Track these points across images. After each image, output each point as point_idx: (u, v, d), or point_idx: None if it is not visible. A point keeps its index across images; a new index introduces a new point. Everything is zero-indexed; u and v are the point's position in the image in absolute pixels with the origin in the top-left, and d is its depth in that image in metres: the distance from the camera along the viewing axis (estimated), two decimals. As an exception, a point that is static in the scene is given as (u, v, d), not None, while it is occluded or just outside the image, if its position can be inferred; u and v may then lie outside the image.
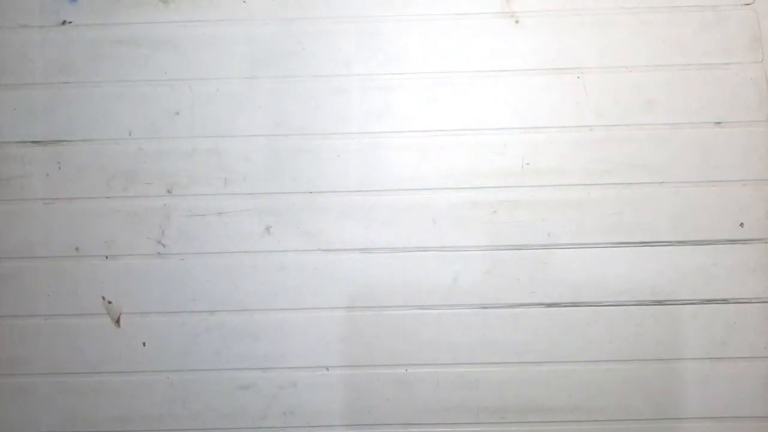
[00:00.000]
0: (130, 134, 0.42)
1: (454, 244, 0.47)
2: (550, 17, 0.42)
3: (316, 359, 0.46)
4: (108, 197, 0.42)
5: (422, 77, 0.42)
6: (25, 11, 0.43)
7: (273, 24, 0.42)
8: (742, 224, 0.40)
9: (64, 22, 0.43)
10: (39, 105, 0.43)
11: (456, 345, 0.48)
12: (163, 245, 0.42)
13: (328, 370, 0.46)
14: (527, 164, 0.48)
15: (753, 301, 0.40)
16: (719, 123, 0.45)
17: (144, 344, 0.42)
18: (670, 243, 0.46)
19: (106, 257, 0.42)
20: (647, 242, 0.46)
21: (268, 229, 0.44)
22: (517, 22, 0.41)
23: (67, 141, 0.43)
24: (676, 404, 0.46)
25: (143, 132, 0.43)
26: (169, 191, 0.42)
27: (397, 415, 0.47)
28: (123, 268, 0.42)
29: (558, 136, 0.46)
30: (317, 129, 0.44)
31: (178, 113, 0.42)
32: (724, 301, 0.40)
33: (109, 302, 0.42)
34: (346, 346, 0.46)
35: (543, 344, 0.47)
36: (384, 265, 0.47)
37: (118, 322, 0.42)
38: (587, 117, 0.45)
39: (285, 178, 0.44)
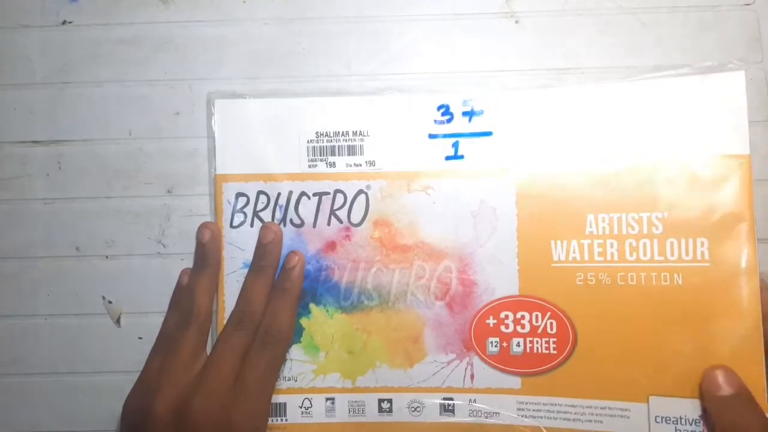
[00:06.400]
0: (130, 134, 0.42)
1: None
2: (551, 17, 0.42)
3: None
4: (108, 197, 0.42)
5: (422, 77, 0.42)
6: (25, 11, 0.43)
7: (273, 24, 0.42)
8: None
9: (64, 22, 0.43)
10: (39, 105, 0.43)
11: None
12: (164, 245, 0.42)
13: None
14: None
15: (753, 301, 0.40)
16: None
17: (140, 338, 0.42)
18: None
19: (107, 257, 0.42)
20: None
21: (268, 229, 0.44)
22: (517, 22, 0.41)
23: (67, 141, 0.43)
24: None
25: (143, 132, 0.43)
26: (169, 191, 0.42)
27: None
28: (123, 268, 0.42)
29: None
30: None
31: (178, 113, 0.42)
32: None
33: (110, 302, 0.42)
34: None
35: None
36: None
37: (118, 321, 0.42)
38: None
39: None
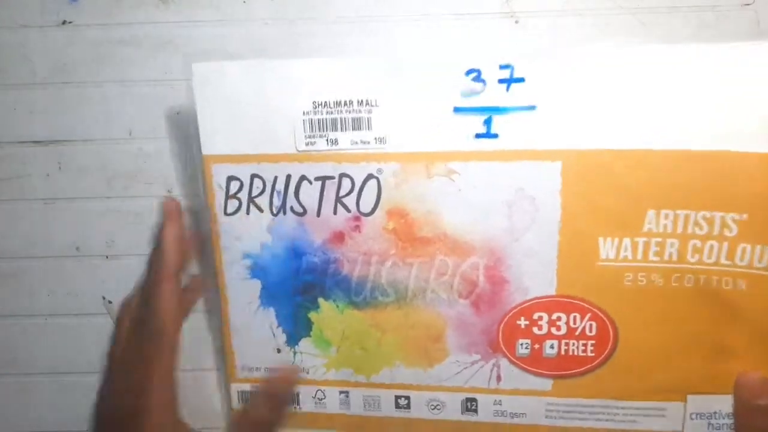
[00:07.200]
0: (130, 134, 0.42)
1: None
2: (551, 17, 0.42)
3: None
4: (108, 197, 0.42)
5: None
6: (25, 11, 0.43)
7: (273, 24, 0.42)
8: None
9: (64, 22, 0.43)
10: (39, 105, 0.43)
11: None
12: (164, 245, 0.42)
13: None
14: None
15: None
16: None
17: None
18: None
19: (107, 257, 0.42)
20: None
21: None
22: (516, 22, 0.41)
23: (68, 141, 0.43)
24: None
25: (143, 132, 0.43)
26: (169, 191, 0.42)
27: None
28: (123, 268, 0.42)
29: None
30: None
31: (178, 113, 0.42)
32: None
33: (110, 302, 0.42)
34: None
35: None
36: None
37: (118, 322, 0.42)
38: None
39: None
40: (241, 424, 0.35)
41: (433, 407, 0.37)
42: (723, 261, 0.32)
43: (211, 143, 0.36)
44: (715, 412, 0.35)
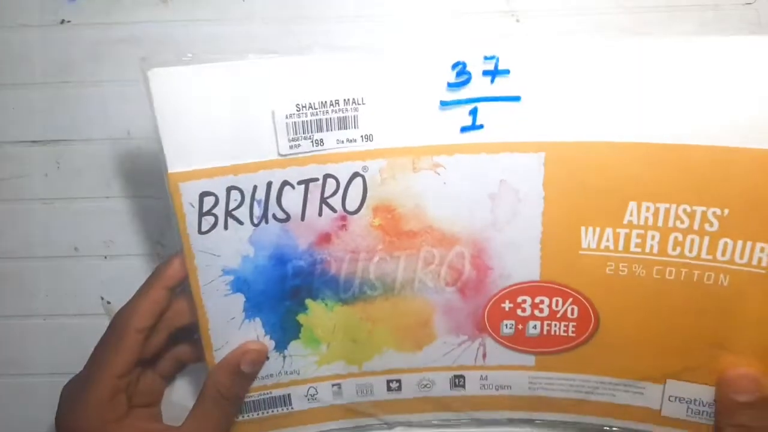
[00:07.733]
0: (129, 134, 0.42)
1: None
2: (551, 16, 0.42)
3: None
4: (107, 197, 0.42)
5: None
6: (24, 10, 0.43)
7: (272, 23, 0.42)
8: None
9: (63, 21, 0.43)
10: (38, 104, 0.43)
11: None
12: (162, 245, 0.42)
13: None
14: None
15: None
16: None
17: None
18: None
19: (105, 257, 0.42)
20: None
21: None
22: (517, 21, 0.41)
23: (66, 141, 0.43)
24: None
25: (143, 132, 0.43)
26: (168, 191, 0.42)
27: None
28: (122, 268, 0.42)
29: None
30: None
31: (177, 113, 0.42)
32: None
33: (108, 302, 0.42)
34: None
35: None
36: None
37: (117, 322, 0.42)
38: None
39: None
40: (205, 393, 0.36)
41: (423, 386, 0.39)
42: (704, 256, 0.33)
43: (179, 160, 0.33)
44: (695, 399, 0.36)
